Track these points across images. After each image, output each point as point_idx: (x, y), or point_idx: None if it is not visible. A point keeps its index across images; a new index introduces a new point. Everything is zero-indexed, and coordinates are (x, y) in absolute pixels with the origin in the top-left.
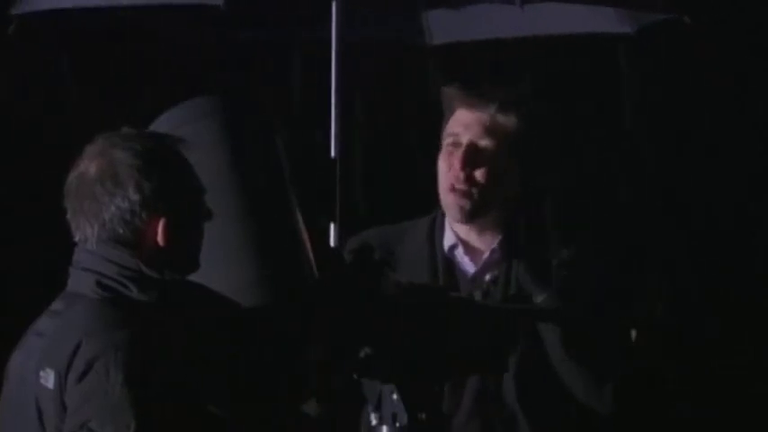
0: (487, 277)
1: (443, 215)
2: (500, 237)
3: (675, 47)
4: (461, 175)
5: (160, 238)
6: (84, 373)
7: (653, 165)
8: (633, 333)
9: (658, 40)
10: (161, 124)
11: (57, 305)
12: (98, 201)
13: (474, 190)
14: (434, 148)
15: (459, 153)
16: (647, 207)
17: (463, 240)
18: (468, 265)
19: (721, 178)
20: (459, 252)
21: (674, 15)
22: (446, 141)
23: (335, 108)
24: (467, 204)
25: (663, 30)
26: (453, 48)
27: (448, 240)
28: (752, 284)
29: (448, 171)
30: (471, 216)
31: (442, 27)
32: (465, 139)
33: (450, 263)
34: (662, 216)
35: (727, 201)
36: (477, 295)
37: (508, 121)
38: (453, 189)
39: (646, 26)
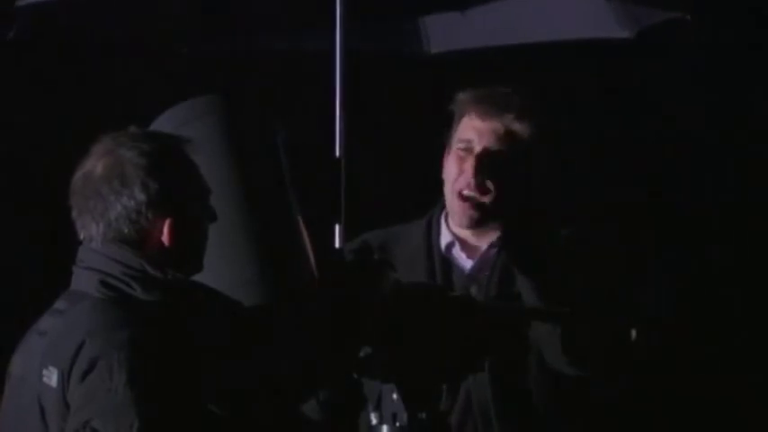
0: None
1: (440, 213)
2: (498, 233)
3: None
4: (473, 182)
5: (165, 238)
6: (86, 373)
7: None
8: (633, 333)
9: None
10: (161, 124)
11: (60, 304)
12: (104, 200)
13: (485, 199)
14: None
15: (472, 160)
16: (646, 207)
17: (460, 239)
18: (464, 262)
19: (721, 178)
20: (456, 249)
21: (677, 14)
22: (457, 146)
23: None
24: (476, 214)
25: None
26: (451, 55)
27: (444, 238)
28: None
29: (458, 176)
30: (478, 224)
31: (441, 35)
32: (479, 147)
33: (446, 261)
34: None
35: (726, 200)
36: (474, 291)
37: (523, 129)
38: (462, 196)
39: (645, 29)
